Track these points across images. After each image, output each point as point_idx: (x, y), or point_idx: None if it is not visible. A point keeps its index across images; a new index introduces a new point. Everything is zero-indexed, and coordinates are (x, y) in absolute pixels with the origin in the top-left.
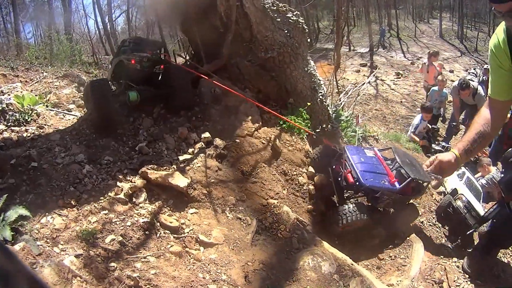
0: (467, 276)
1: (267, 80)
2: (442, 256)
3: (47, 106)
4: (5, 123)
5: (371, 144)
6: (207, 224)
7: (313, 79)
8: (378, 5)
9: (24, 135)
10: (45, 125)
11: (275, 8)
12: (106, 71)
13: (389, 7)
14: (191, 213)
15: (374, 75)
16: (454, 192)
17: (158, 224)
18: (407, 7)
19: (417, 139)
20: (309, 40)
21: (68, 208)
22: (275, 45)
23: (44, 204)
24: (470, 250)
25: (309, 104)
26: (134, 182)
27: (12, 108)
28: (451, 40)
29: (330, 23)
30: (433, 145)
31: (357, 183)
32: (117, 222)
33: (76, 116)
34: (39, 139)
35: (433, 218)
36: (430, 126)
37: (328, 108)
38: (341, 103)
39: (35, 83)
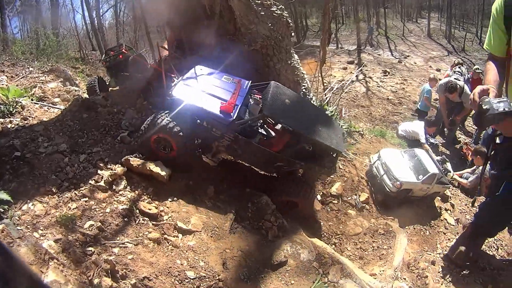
0: (452, 267)
1: (251, 72)
2: (427, 248)
3: (32, 99)
4: None
5: (356, 139)
6: (186, 211)
7: (296, 72)
8: (367, 4)
9: (9, 126)
10: (30, 117)
11: (259, 1)
12: (93, 66)
13: (378, 5)
14: (170, 201)
15: (360, 71)
16: (378, 157)
17: (138, 211)
18: (396, 6)
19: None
20: (293, 34)
21: (49, 195)
22: (259, 38)
23: (26, 192)
24: (455, 240)
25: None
26: (115, 170)
27: None
28: (439, 40)
29: (319, 20)
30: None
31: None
32: (97, 209)
33: (60, 109)
34: (23, 130)
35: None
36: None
37: (311, 101)
38: (326, 98)
39: (21, 78)
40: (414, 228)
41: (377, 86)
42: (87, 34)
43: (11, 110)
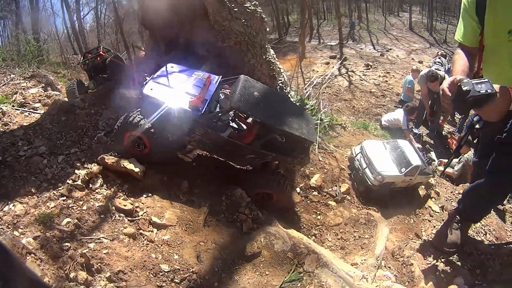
0: (438, 253)
1: (224, 67)
2: (411, 236)
3: (13, 105)
4: None
5: (338, 132)
6: (160, 206)
7: (272, 67)
8: None
9: None
10: (10, 122)
11: None
12: (75, 70)
13: (359, 0)
14: (145, 197)
15: (341, 65)
16: (360, 149)
17: (114, 208)
18: (377, 0)
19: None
20: (267, 29)
21: (29, 196)
22: (232, 34)
23: (7, 194)
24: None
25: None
26: (91, 169)
27: None
28: (421, 33)
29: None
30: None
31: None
32: (74, 207)
33: (40, 113)
34: (4, 135)
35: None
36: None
37: (289, 95)
38: (306, 92)
39: (2, 85)
40: (398, 217)
41: (360, 79)
42: (68, 37)
43: None
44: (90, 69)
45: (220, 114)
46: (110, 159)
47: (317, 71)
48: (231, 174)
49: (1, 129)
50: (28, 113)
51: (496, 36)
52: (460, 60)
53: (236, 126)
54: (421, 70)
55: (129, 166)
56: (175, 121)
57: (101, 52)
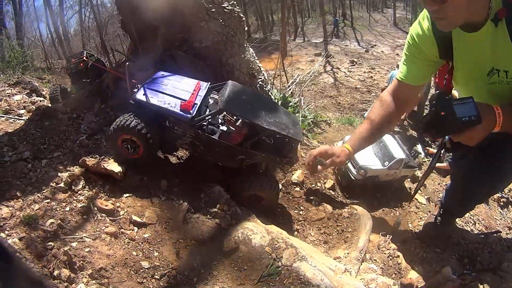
0: (424, 245)
1: (203, 68)
2: (396, 227)
3: None
4: None
5: (323, 128)
6: (141, 205)
7: (251, 66)
8: None
9: None
10: None
11: None
12: (59, 76)
13: None
14: (126, 197)
15: (325, 61)
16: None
17: (95, 208)
18: None
19: None
20: (246, 28)
21: (15, 200)
22: (210, 35)
23: None
24: (426, 220)
25: None
26: (73, 171)
27: None
28: (405, 28)
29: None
30: None
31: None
32: (57, 208)
33: (25, 120)
34: None
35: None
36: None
37: (270, 93)
38: (289, 90)
39: None
40: (383, 210)
41: (345, 76)
42: (52, 42)
43: None
44: (73, 74)
45: (209, 117)
46: (91, 161)
47: (302, 69)
48: (215, 175)
49: None
50: (13, 120)
51: (472, 80)
52: (375, 116)
53: (225, 129)
54: None
55: (109, 167)
56: (167, 124)
57: (84, 58)
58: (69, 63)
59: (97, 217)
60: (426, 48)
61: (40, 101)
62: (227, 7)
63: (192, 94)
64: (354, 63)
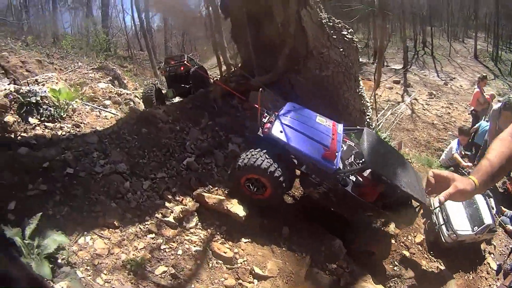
0: None
1: (319, 99)
2: None
3: (82, 99)
4: (38, 117)
5: None
6: (262, 255)
7: (362, 101)
8: (414, 22)
9: (59, 133)
10: (81, 123)
11: (331, 24)
12: (140, 66)
13: (425, 23)
14: (245, 242)
15: (412, 97)
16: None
17: (211, 252)
18: (442, 24)
19: (461, 160)
20: (360, 60)
21: (110, 229)
22: (330, 63)
23: (82, 221)
24: None
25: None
26: (186, 205)
27: (46, 102)
28: (485, 62)
29: (365, 36)
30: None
31: (269, 133)
32: (167, 249)
33: (112, 113)
34: (75, 139)
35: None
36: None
37: (376, 131)
38: (378, 124)
39: (70, 71)
40: (459, 272)
41: (423, 109)
42: (135, 34)
43: (62, 114)
44: (171, 76)
45: (352, 172)
46: (210, 198)
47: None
48: (330, 221)
49: (72, 131)
50: (99, 111)
51: None
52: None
53: (354, 179)
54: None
55: (233, 209)
56: (304, 170)
57: (185, 62)
58: (167, 65)
59: (213, 263)
60: None
61: (127, 94)
62: (347, 36)
63: (332, 139)
64: (433, 96)
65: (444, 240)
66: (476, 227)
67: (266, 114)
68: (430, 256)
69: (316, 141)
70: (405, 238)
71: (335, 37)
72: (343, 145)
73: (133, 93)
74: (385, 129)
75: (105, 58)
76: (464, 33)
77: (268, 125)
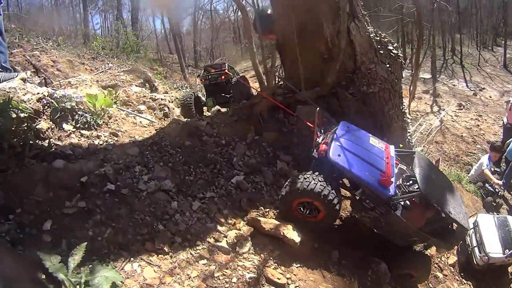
0: None
1: (365, 116)
2: None
3: (116, 102)
4: (73, 124)
5: None
6: (313, 280)
7: (404, 118)
8: (443, 29)
9: (96, 142)
10: (119, 131)
11: (378, 38)
12: (169, 69)
13: (454, 31)
14: (297, 267)
15: (446, 112)
16: (474, 224)
17: (264, 278)
18: (471, 32)
19: (491, 176)
20: (404, 76)
21: (159, 255)
22: (377, 80)
23: (127, 244)
24: None
25: (401, 146)
26: (239, 229)
27: (82, 108)
28: None
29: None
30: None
31: (326, 156)
32: (220, 277)
33: (148, 120)
34: (114, 150)
35: None
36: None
37: (415, 149)
38: (414, 138)
39: (100, 72)
40: None
41: (452, 120)
42: (165, 37)
43: (98, 121)
44: (211, 85)
45: (406, 199)
46: (267, 224)
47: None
48: (376, 245)
49: (110, 140)
50: (134, 116)
51: None
52: None
53: (402, 203)
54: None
55: (289, 235)
56: (359, 195)
57: (226, 71)
58: (207, 73)
59: None
60: None
61: (161, 99)
62: (393, 51)
63: (387, 163)
64: (462, 107)
65: (476, 263)
66: (507, 250)
67: (318, 133)
68: (461, 278)
69: (371, 165)
70: (439, 259)
71: (382, 52)
72: (396, 169)
73: (166, 97)
74: (418, 143)
75: (135, 60)
76: (493, 41)
77: (324, 146)
